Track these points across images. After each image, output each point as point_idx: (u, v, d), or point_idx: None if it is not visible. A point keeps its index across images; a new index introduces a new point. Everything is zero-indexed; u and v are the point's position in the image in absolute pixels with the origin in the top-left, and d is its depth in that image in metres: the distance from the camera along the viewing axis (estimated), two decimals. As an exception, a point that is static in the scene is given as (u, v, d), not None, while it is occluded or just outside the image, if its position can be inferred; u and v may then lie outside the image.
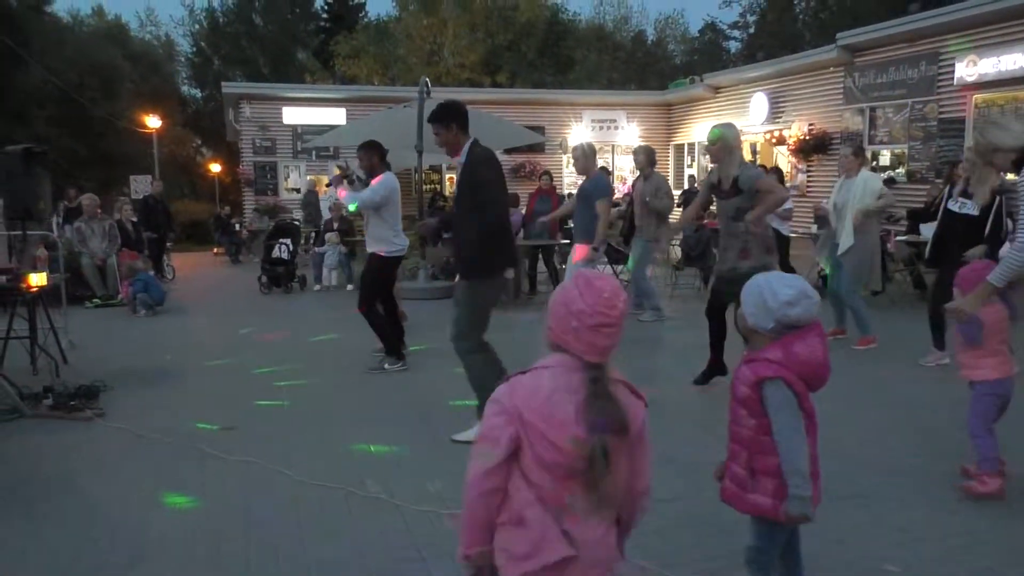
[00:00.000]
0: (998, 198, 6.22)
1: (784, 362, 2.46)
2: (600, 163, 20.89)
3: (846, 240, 7.43)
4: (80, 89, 28.08)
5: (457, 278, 5.12)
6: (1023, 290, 4.02)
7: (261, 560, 3.45)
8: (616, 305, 1.92)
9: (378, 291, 6.99)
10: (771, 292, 2.49)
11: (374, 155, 7.05)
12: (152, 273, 11.34)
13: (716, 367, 6.16)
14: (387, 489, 4.19)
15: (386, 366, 6.92)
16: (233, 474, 4.50)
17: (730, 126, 6.07)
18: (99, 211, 12.01)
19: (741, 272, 5.55)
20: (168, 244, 14.72)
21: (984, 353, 3.96)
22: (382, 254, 6.88)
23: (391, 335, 7.02)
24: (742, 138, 6.38)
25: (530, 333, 7.68)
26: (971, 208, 6.31)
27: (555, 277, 11.16)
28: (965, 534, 3.61)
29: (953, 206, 6.48)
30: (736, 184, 5.79)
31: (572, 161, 8.17)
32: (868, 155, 15.15)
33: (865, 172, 7.70)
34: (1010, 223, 6.46)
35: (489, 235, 4.85)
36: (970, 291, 3.90)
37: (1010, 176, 4.30)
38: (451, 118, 4.96)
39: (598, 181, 7.80)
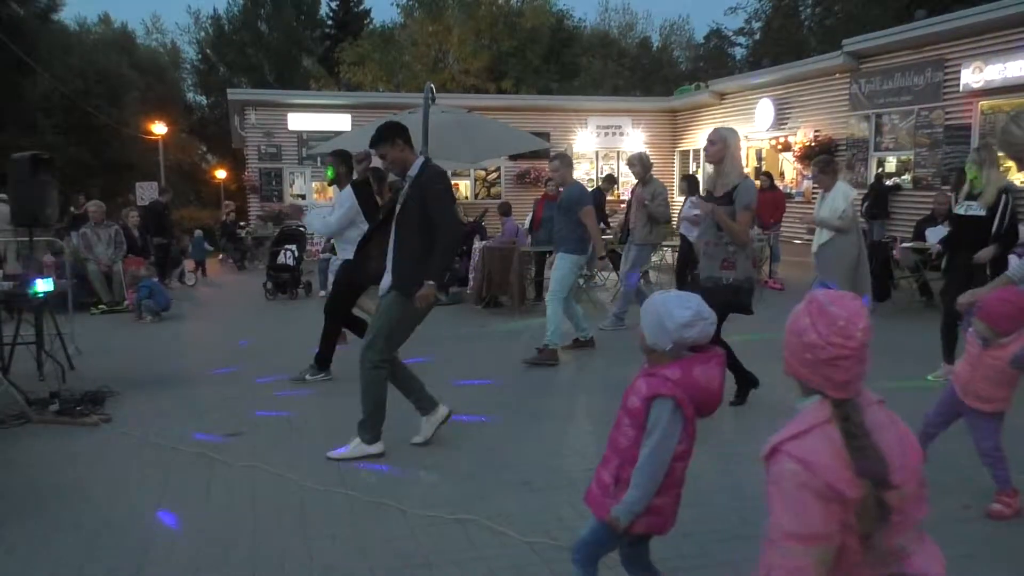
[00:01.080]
0: (1004, 197, 6.19)
1: (681, 382, 2.46)
2: (607, 170, 21.00)
3: (816, 241, 7.38)
4: (86, 97, 28.24)
5: (383, 289, 5.00)
6: None
7: (267, 566, 3.45)
8: (853, 335, 1.70)
9: (348, 296, 6.91)
10: (668, 313, 2.48)
11: (342, 165, 7.01)
12: (156, 280, 11.35)
13: (745, 382, 5.96)
14: (392, 495, 4.19)
15: (307, 377, 6.84)
16: (239, 480, 4.50)
17: (732, 131, 5.98)
18: (104, 218, 12.04)
19: (723, 284, 5.53)
20: (174, 249, 14.74)
21: (1006, 383, 3.90)
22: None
23: (331, 350, 6.89)
24: (748, 144, 6.35)
25: (537, 341, 7.69)
26: (977, 209, 6.29)
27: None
28: (964, 545, 3.59)
29: (959, 209, 6.46)
30: (732, 194, 5.66)
31: (550, 172, 8.08)
32: (875, 161, 15.21)
33: (841, 185, 7.36)
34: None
35: (450, 250, 4.85)
36: (1006, 326, 3.77)
37: (1018, 179, 4.29)
38: (394, 134, 4.90)
39: (580, 190, 7.73)
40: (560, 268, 7.58)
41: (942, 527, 3.73)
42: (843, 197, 7.21)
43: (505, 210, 12.61)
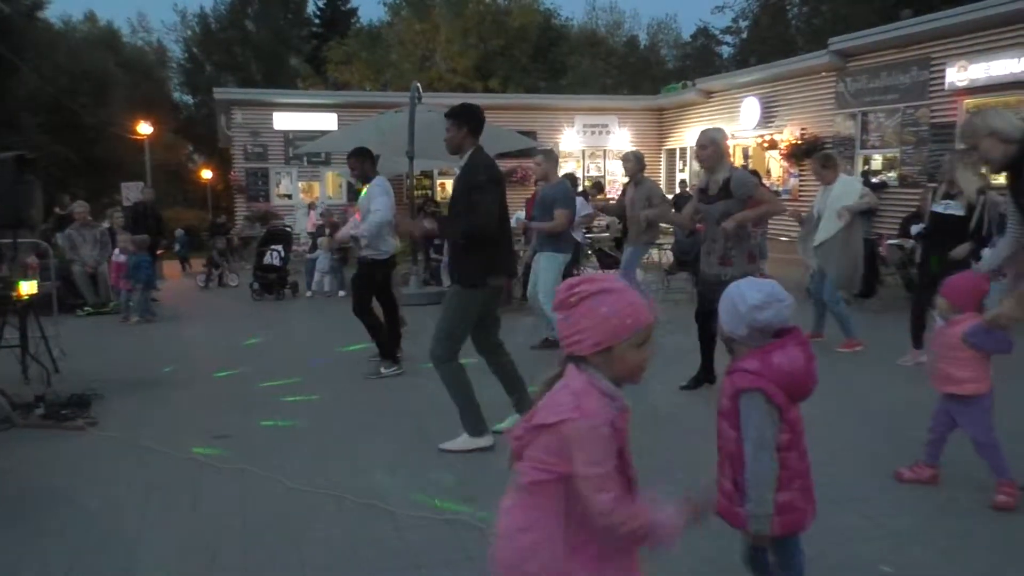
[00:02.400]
0: (982, 197, 6.32)
1: (762, 372, 2.41)
2: (593, 171, 20.96)
3: (821, 235, 7.48)
4: (72, 96, 28.05)
5: (448, 283, 5.10)
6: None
7: (257, 569, 3.43)
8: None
9: (370, 294, 7.00)
10: (740, 296, 2.46)
11: (366, 161, 7.07)
12: (147, 255, 11.35)
13: (705, 374, 6.17)
14: (381, 496, 4.18)
15: (382, 370, 6.93)
16: (228, 483, 4.48)
17: (719, 131, 6.03)
18: (90, 218, 11.97)
19: (724, 279, 5.54)
20: (158, 252, 14.63)
21: (972, 364, 3.92)
22: (372, 258, 6.96)
23: (386, 339, 7.01)
24: (735, 142, 6.42)
25: (531, 338, 7.71)
26: (956, 208, 6.39)
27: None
28: (961, 536, 3.62)
29: (938, 208, 6.56)
30: (726, 187, 5.73)
31: (534, 167, 8.04)
32: (862, 159, 15.28)
33: (843, 177, 7.75)
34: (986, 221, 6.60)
35: (479, 241, 4.80)
36: (959, 303, 3.92)
37: (994, 177, 4.33)
38: (465, 121, 4.93)
39: (561, 188, 7.67)
40: (544, 269, 7.58)
41: (934, 519, 3.76)
42: (855, 182, 7.52)
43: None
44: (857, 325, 7.59)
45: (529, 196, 11.69)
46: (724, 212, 5.74)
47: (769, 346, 2.45)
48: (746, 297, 2.45)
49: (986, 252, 5.42)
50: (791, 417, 2.46)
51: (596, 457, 1.79)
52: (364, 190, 7.09)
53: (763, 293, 2.44)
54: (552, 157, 7.90)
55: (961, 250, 6.29)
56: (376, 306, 7.10)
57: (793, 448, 2.48)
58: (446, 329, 4.87)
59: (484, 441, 4.88)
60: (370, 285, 7.01)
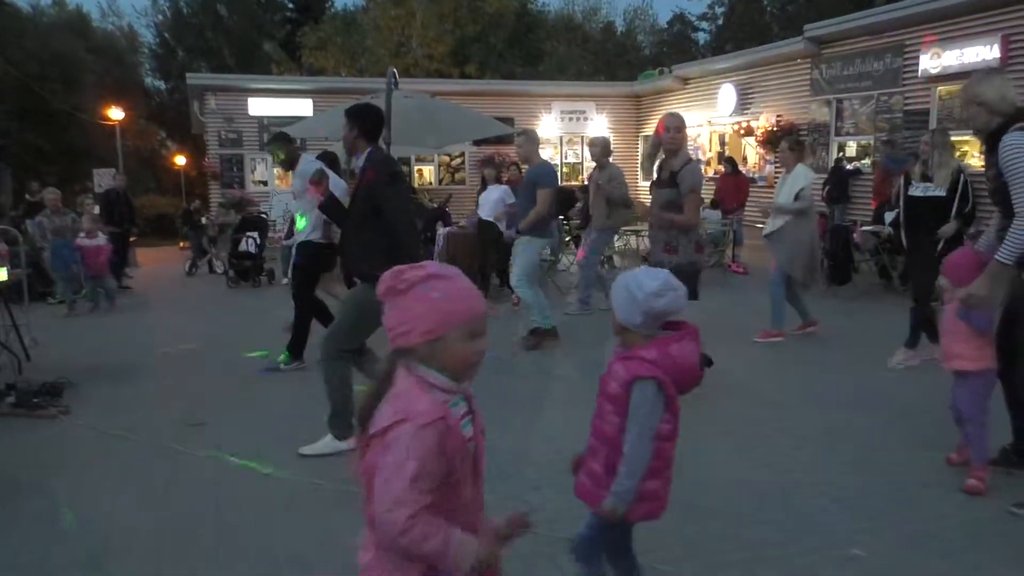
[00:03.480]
0: (962, 176, 6.37)
1: (658, 362, 2.44)
2: (571, 157, 20.98)
3: (770, 226, 7.49)
4: (41, 81, 27.59)
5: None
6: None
7: (231, 555, 3.42)
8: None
9: (316, 281, 6.84)
10: (637, 284, 2.48)
11: (291, 145, 6.95)
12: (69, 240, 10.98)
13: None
14: (357, 481, 4.15)
15: (281, 367, 6.77)
16: (201, 470, 4.46)
17: (681, 115, 6.07)
18: (61, 205, 11.79)
19: (669, 267, 5.54)
20: (131, 239, 14.44)
21: (973, 341, 3.95)
22: (316, 241, 6.69)
23: (303, 337, 6.80)
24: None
25: (507, 326, 7.70)
26: (935, 190, 6.44)
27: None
28: (932, 520, 3.67)
29: (916, 191, 6.57)
30: (674, 177, 5.73)
31: (515, 149, 7.94)
32: (836, 146, 15.38)
33: (799, 167, 7.48)
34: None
35: (403, 241, 4.63)
36: (961, 280, 3.92)
37: (973, 161, 4.35)
38: (359, 121, 4.78)
39: (543, 168, 7.65)
40: (524, 253, 7.53)
41: (905, 504, 3.81)
42: (803, 177, 7.33)
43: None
44: (831, 312, 7.64)
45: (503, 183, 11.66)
46: (667, 200, 5.76)
47: (668, 338, 2.49)
48: (643, 285, 2.47)
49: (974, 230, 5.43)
50: (675, 408, 2.52)
51: (402, 460, 1.66)
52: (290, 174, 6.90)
53: (659, 281, 2.47)
54: (533, 138, 7.87)
55: (948, 228, 6.33)
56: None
57: (671, 439, 2.54)
58: (347, 324, 4.71)
59: (345, 445, 4.63)
60: (316, 271, 6.79)
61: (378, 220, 4.62)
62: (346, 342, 4.70)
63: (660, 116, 6.29)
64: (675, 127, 5.86)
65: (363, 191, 4.73)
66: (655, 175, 6.09)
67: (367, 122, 4.80)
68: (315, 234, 6.66)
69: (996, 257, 3.73)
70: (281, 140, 7.01)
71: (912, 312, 6.49)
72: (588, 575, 2.74)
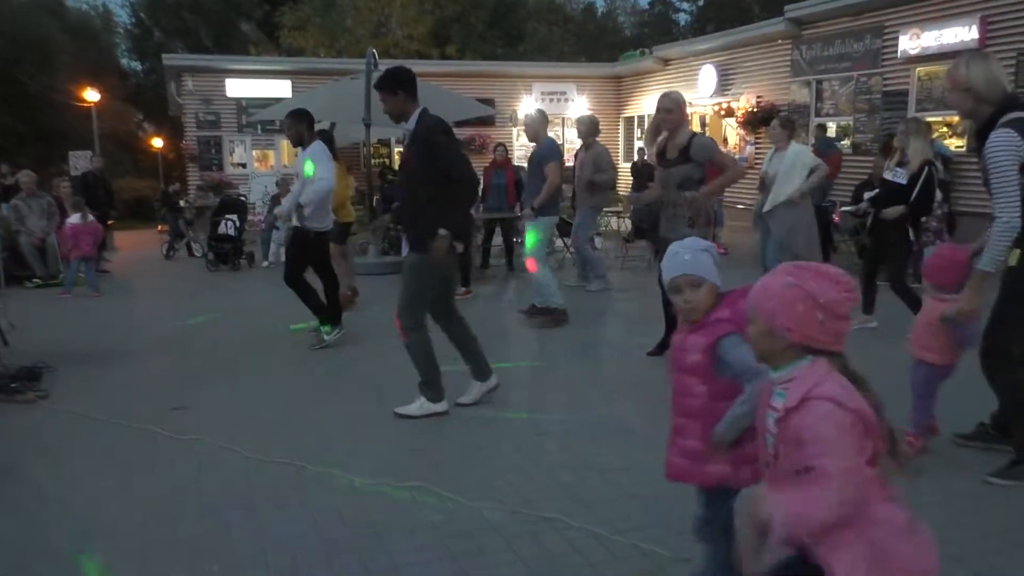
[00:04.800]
0: (927, 168, 6.46)
1: (734, 319, 2.39)
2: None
3: (772, 200, 7.61)
4: (15, 63, 27.17)
5: (404, 252, 5.04)
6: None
7: (215, 539, 3.41)
8: (853, 287, 1.91)
9: (305, 264, 6.86)
10: (703, 243, 2.52)
11: (303, 124, 6.84)
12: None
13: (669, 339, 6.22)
14: (340, 464, 4.17)
15: (325, 337, 6.81)
16: (184, 454, 4.44)
17: (680, 94, 6.11)
18: (37, 188, 11.66)
19: None
20: (109, 222, 14.31)
21: (941, 338, 3.97)
22: (315, 229, 6.74)
23: (320, 301, 6.86)
24: (691, 110, 6.46)
25: (491, 305, 7.70)
26: (901, 177, 6.57)
27: (511, 252, 11.09)
28: (908, 496, 3.70)
29: (887, 175, 6.77)
30: (685, 152, 5.77)
31: (524, 128, 8.11)
32: (821, 126, 15.42)
33: (796, 146, 7.85)
34: (940, 193, 6.99)
35: (466, 200, 4.86)
36: (941, 281, 3.95)
37: (952, 142, 4.34)
38: (397, 85, 4.87)
39: (548, 145, 7.80)
40: (533, 231, 7.59)
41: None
42: (807, 154, 7.65)
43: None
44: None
45: (487, 164, 11.64)
46: (684, 176, 5.78)
47: (734, 294, 2.44)
48: (701, 243, 2.51)
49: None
50: None
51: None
52: (298, 153, 6.91)
53: (698, 242, 2.53)
54: (543, 117, 8.01)
55: (892, 211, 6.50)
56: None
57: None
58: (408, 297, 4.86)
59: (439, 407, 4.91)
60: (306, 255, 6.81)
61: (442, 180, 4.72)
62: (417, 310, 4.86)
63: (642, 97, 6.39)
64: (665, 107, 5.91)
65: (421, 154, 4.77)
66: (659, 156, 6.10)
67: (405, 83, 4.87)
68: (311, 221, 6.67)
69: (979, 267, 3.66)
70: (290, 116, 6.94)
71: (896, 292, 6.64)
72: (716, 554, 2.60)
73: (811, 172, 7.70)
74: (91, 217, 10.41)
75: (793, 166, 7.62)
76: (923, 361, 4.07)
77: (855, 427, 1.81)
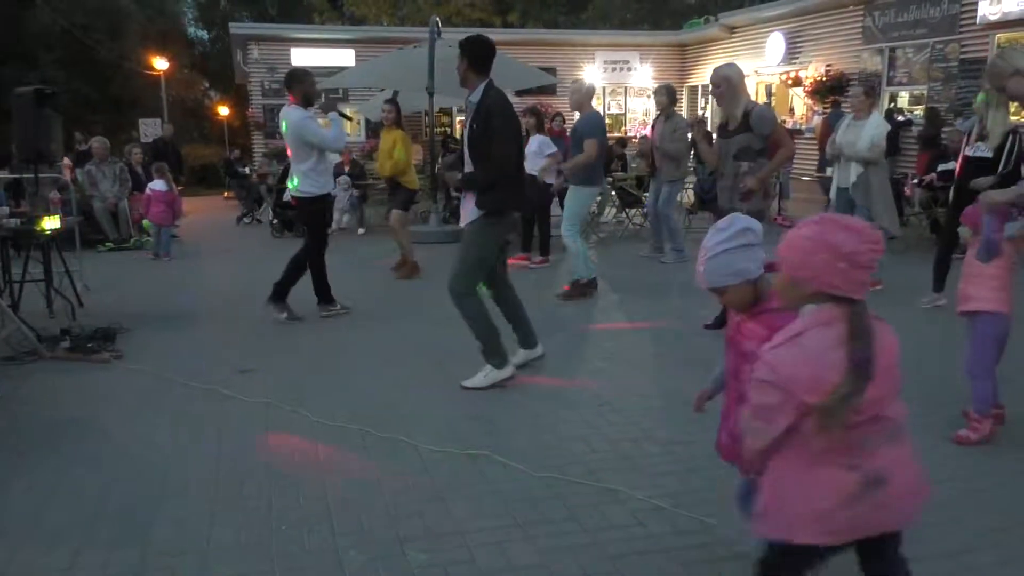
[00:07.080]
0: (1011, 137, 6.21)
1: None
2: (614, 108, 20.67)
3: (852, 175, 7.42)
4: (86, 31, 27.76)
5: (464, 221, 5.05)
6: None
7: (282, 500, 3.49)
8: (879, 239, 1.96)
9: (325, 234, 7.00)
10: (751, 225, 2.42)
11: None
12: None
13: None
14: (404, 430, 4.22)
15: (321, 315, 6.93)
16: (252, 416, 4.55)
17: (732, 66, 6.03)
18: (108, 154, 11.95)
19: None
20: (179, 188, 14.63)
21: (989, 283, 3.90)
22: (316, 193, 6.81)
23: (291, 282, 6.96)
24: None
25: (551, 274, 7.68)
26: (983, 151, 6.34)
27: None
28: (960, 481, 3.62)
29: (969, 151, 6.53)
30: (746, 121, 5.72)
31: (569, 95, 7.95)
32: (888, 97, 14.98)
33: (876, 116, 7.55)
34: None
35: (500, 175, 4.81)
36: (979, 226, 3.89)
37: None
38: (466, 52, 4.90)
39: (590, 118, 7.61)
40: (572, 201, 7.53)
41: (929, 462, 3.77)
42: (881, 126, 7.39)
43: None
44: (880, 266, 7.52)
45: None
46: (742, 146, 5.76)
47: None
48: (718, 243, 2.44)
49: None
50: None
51: None
52: (284, 124, 6.92)
53: (743, 224, 2.45)
54: (587, 89, 7.87)
55: (983, 181, 6.23)
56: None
57: None
58: (467, 262, 4.90)
59: (506, 372, 4.93)
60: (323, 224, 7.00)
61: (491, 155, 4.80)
62: (475, 277, 4.95)
63: (707, 66, 6.31)
64: (713, 83, 5.90)
65: (480, 126, 4.81)
66: (720, 128, 6.07)
67: (473, 53, 4.90)
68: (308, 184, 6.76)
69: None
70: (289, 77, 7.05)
71: (936, 263, 6.69)
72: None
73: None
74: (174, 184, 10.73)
75: (863, 138, 7.39)
76: (971, 315, 3.95)
77: (776, 392, 1.93)
